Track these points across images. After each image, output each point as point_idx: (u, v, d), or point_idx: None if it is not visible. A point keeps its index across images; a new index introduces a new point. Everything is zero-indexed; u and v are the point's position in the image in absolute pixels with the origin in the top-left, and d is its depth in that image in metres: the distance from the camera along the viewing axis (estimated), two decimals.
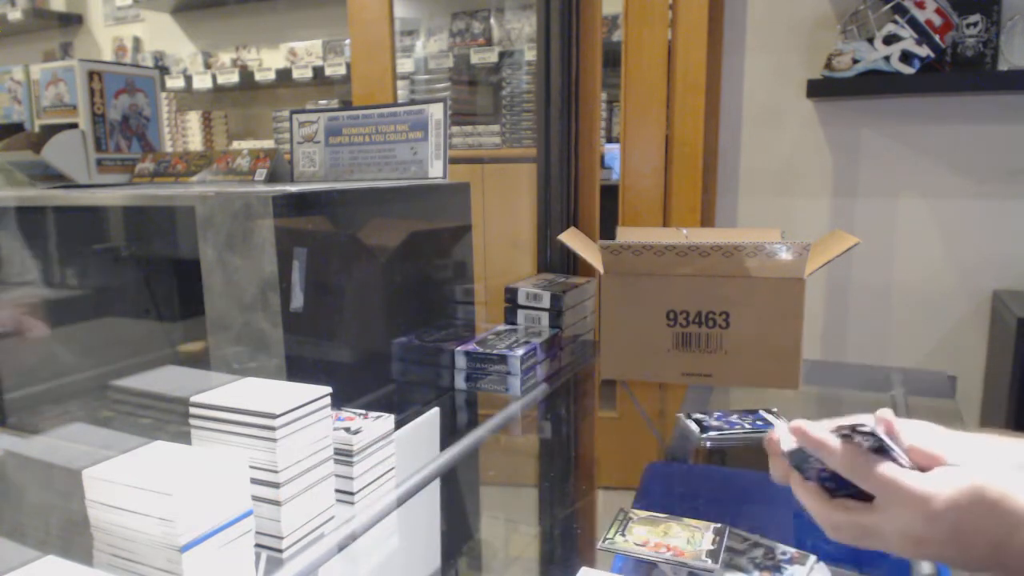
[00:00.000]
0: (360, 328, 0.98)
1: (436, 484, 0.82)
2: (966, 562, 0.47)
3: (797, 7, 1.93)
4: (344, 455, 0.69)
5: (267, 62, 3.18)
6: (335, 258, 0.91)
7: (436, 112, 1.10)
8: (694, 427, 1.03)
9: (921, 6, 1.71)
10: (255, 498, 0.61)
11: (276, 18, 3.18)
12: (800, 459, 0.54)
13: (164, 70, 3.34)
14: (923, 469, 0.49)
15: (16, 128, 1.31)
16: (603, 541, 0.71)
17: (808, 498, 0.54)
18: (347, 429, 0.70)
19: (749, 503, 0.87)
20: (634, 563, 0.72)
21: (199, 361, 0.89)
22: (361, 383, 0.98)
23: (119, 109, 1.23)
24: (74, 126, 1.19)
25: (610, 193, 2.01)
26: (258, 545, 0.62)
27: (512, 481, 1.14)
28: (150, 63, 3.39)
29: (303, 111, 1.21)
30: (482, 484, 1.09)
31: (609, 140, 2.45)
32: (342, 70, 2.90)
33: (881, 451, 0.50)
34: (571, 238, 1.16)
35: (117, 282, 1.16)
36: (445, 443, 0.87)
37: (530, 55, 2.54)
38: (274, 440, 0.60)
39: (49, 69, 1.20)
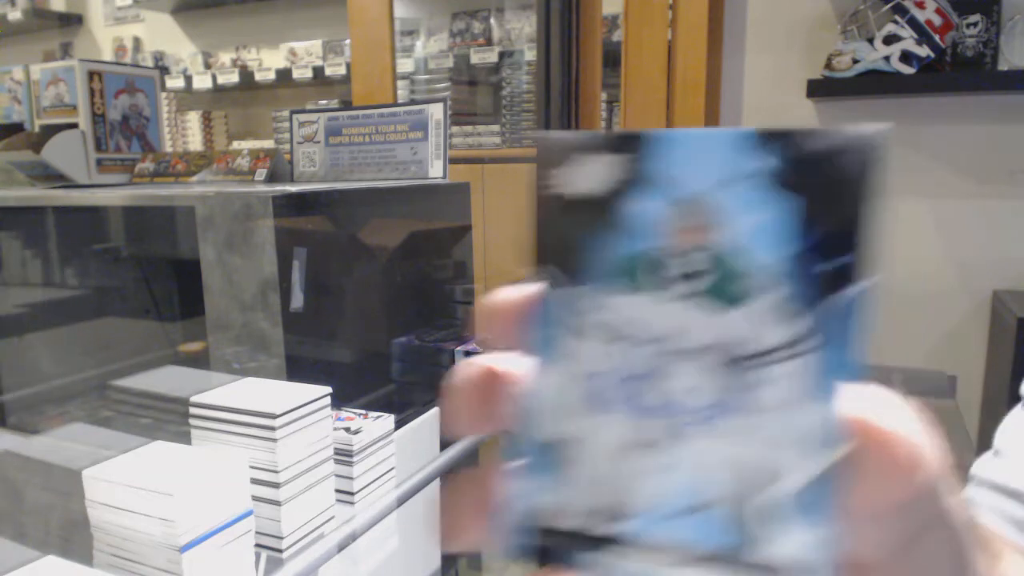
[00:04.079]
0: (360, 328, 0.98)
1: (436, 484, 0.82)
2: None
3: (797, 7, 1.93)
4: (344, 455, 0.69)
5: (267, 62, 3.18)
6: (335, 258, 0.91)
7: (436, 112, 1.10)
8: None
9: (921, 6, 1.71)
10: (255, 498, 0.61)
11: (276, 18, 3.18)
12: None
13: (164, 70, 3.34)
14: None
15: (16, 128, 1.31)
16: None
17: None
18: (347, 429, 0.70)
19: None
20: None
21: (199, 361, 0.89)
22: (361, 383, 0.98)
23: (119, 109, 1.23)
24: (74, 126, 1.19)
25: None
26: (258, 545, 0.62)
27: None
28: (150, 63, 3.39)
29: (303, 111, 1.21)
30: None
31: None
32: (342, 70, 2.90)
33: None
34: None
35: (117, 282, 1.16)
36: (445, 443, 0.87)
37: (530, 55, 2.54)
38: (274, 440, 0.60)
39: (49, 69, 1.20)
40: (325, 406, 0.65)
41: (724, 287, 0.15)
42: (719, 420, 0.16)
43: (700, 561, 0.16)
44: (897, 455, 0.15)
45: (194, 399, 0.64)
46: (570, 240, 0.17)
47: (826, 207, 0.15)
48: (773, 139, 0.15)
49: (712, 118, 2.02)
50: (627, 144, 0.16)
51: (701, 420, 0.16)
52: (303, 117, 1.19)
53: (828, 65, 1.82)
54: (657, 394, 0.16)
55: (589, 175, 0.16)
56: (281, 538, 0.62)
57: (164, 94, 3.25)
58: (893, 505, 0.17)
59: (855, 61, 1.78)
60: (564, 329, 0.17)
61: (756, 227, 0.15)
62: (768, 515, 0.15)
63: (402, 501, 0.75)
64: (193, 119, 3.23)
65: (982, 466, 0.46)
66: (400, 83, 2.52)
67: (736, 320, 0.15)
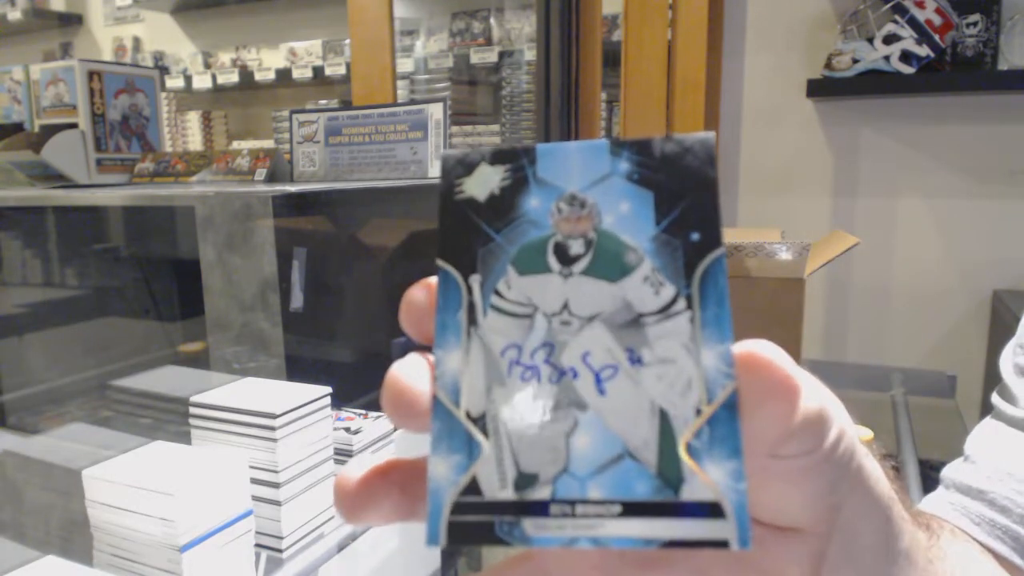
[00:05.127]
0: (360, 328, 0.98)
1: None
2: None
3: (797, 7, 1.93)
4: (344, 455, 0.69)
5: (267, 62, 3.18)
6: (335, 258, 0.91)
7: (436, 112, 1.10)
8: None
9: (921, 6, 1.71)
10: (255, 498, 0.61)
11: (276, 18, 3.18)
12: None
13: (164, 70, 3.34)
14: None
15: (16, 128, 1.31)
16: None
17: None
18: (347, 429, 0.70)
19: None
20: None
21: (199, 361, 0.89)
22: (361, 383, 0.98)
23: (119, 109, 1.23)
24: (74, 126, 1.19)
25: None
26: (258, 545, 0.62)
27: None
28: (150, 63, 3.39)
29: (303, 111, 1.21)
30: None
31: None
32: (342, 70, 2.90)
33: None
34: None
35: (117, 282, 1.16)
36: None
37: (530, 55, 2.54)
38: (274, 440, 0.61)
39: (49, 69, 1.20)
40: (325, 406, 0.65)
41: (603, 265, 0.18)
42: (620, 377, 0.18)
43: (626, 510, 0.17)
44: (777, 376, 0.18)
45: (194, 399, 0.64)
46: (472, 235, 0.19)
47: (676, 196, 0.18)
48: (625, 147, 0.19)
49: (712, 118, 2.02)
50: (516, 156, 0.19)
51: (604, 379, 0.18)
52: (303, 117, 1.19)
53: (828, 65, 1.82)
54: (562, 359, 0.18)
55: (487, 181, 0.19)
56: (281, 538, 0.62)
57: (164, 94, 3.25)
58: (788, 435, 0.18)
59: (855, 61, 1.78)
60: (468, 313, 0.19)
61: (623, 215, 0.19)
62: (680, 457, 0.17)
63: None
64: (193, 119, 3.23)
65: (952, 469, 0.48)
66: (400, 83, 2.52)
67: (617, 291, 0.18)
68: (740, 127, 2.04)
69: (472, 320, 0.19)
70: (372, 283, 0.99)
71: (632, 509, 0.17)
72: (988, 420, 0.48)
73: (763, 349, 0.18)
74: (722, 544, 0.16)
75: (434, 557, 0.83)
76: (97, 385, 1.04)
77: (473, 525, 0.17)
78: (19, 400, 1.09)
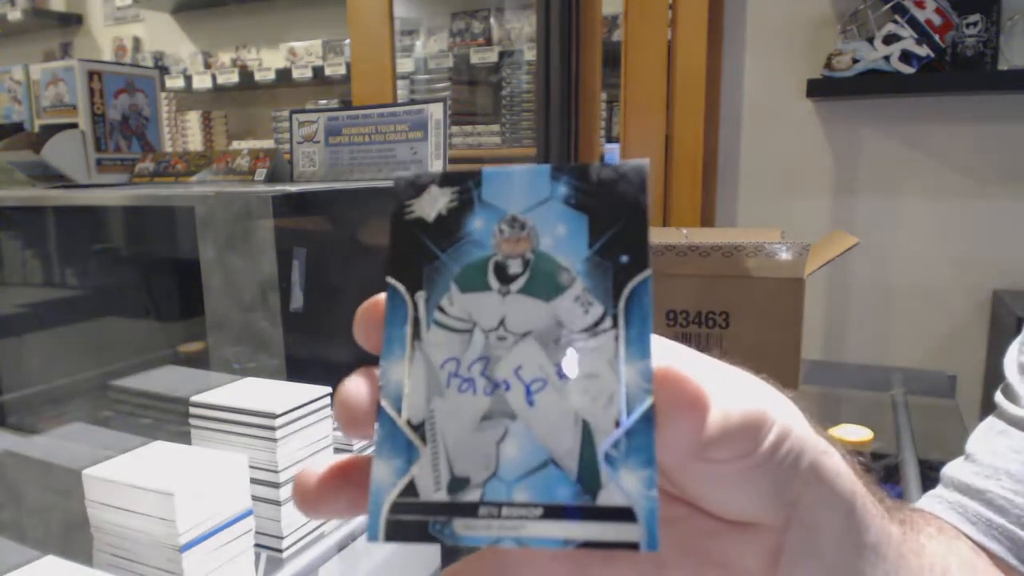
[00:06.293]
0: None
1: None
2: None
3: (797, 7, 1.93)
4: (344, 455, 0.69)
5: (267, 62, 3.18)
6: (335, 258, 0.91)
7: (436, 112, 1.10)
8: None
9: (921, 6, 1.71)
10: (255, 498, 0.61)
11: (276, 18, 3.18)
12: None
13: (164, 70, 3.34)
14: None
15: (16, 128, 1.31)
16: None
17: None
18: None
19: None
20: None
21: (199, 361, 0.89)
22: None
23: (119, 109, 1.23)
24: (74, 126, 1.19)
25: None
26: (258, 545, 0.62)
27: None
28: (150, 63, 3.39)
29: (303, 111, 1.21)
30: None
31: (609, 140, 2.45)
32: (342, 70, 2.90)
33: None
34: None
35: (117, 282, 1.16)
36: None
37: (530, 55, 2.54)
38: (274, 440, 0.61)
39: (49, 69, 1.20)
40: (325, 406, 0.65)
41: (538, 284, 0.20)
42: (548, 390, 0.19)
43: (547, 513, 0.18)
44: (688, 390, 0.18)
45: (194, 399, 0.64)
46: (419, 254, 0.21)
47: (609, 220, 0.20)
48: (565, 172, 0.20)
49: (712, 118, 2.02)
50: (464, 179, 0.21)
51: (534, 391, 0.19)
52: (303, 117, 1.19)
53: (828, 65, 1.82)
54: (496, 372, 0.19)
55: (435, 203, 0.21)
56: (281, 538, 0.62)
57: (164, 94, 3.24)
58: (702, 444, 0.19)
59: (855, 61, 1.78)
60: (412, 327, 0.20)
61: (560, 237, 0.20)
62: (599, 465, 0.18)
63: None
64: (193, 119, 3.23)
65: (952, 468, 0.48)
66: (400, 83, 2.52)
67: (549, 309, 0.19)
68: (740, 127, 2.04)
69: (416, 334, 0.20)
70: (372, 283, 0.99)
71: (553, 512, 0.18)
72: (990, 419, 0.48)
73: (679, 365, 0.19)
74: (633, 546, 0.17)
75: (434, 557, 0.83)
76: (97, 385, 1.04)
77: (409, 524, 0.19)
78: (19, 400, 1.09)
